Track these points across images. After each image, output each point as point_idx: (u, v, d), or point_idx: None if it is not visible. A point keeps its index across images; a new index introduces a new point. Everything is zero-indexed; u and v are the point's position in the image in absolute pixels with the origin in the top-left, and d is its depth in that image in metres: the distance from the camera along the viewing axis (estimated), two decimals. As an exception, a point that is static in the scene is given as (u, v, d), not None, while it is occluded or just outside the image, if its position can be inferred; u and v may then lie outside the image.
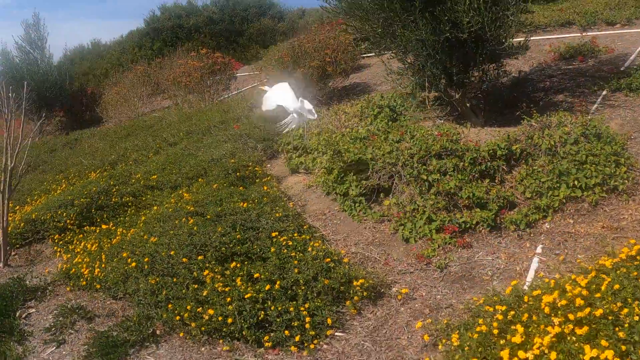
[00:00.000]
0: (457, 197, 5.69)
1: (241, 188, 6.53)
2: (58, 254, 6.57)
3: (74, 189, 7.80)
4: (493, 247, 5.10)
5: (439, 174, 5.91)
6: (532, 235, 5.15)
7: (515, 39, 7.61)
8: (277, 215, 5.58)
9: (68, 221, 6.91)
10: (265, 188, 6.42)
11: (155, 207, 6.57)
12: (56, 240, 6.81)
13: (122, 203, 6.99)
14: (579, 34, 10.93)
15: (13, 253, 6.98)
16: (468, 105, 7.97)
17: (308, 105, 7.46)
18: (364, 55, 12.92)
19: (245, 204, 5.82)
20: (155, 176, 7.28)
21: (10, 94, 6.77)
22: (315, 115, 8.18)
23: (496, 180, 6.06)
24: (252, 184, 6.75)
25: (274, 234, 5.19)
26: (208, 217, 5.64)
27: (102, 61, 23.46)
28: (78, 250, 6.16)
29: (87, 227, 6.84)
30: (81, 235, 6.65)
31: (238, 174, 6.73)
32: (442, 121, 8.05)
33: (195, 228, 5.40)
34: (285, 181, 7.16)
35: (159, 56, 19.56)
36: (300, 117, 7.43)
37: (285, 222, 5.51)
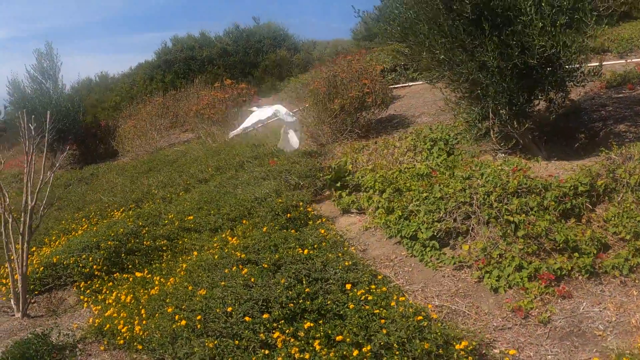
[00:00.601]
0: (545, 240, 5.01)
1: (293, 231, 5.80)
2: (85, 304, 5.78)
3: (98, 230, 7.06)
4: (596, 297, 4.45)
5: (523, 214, 5.23)
6: (636, 281, 4.50)
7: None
8: (346, 263, 4.84)
9: (95, 267, 6.15)
10: (322, 231, 5.69)
11: (195, 253, 5.82)
12: (82, 288, 6.03)
13: (156, 247, 6.24)
14: (619, 61, 10.46)
15: (32, 300, 6.20)
16: (530, 136, 7.33)
17: (282, 109, 7.81)
18: (392, 86, 12.39)
19: (306, 251, 5.08)
20: (192, 217, 6.55)
21: (31, 124, 6.11)
22: (294, 118, 8.37)
23: (582, 220, 5.38)
24: (304, 226, 6.03)
25: (348, 286, 4.44)
26: (264, 265, 4.89)
27: (111, 94, 23.00)
28: (110, 301, 5.38)
29: (117, 274, 6.07)
30: (111, 284, 5.87)
31: (289, 215, 6.00)
32: (504, 154, 7.40)
33: (252, 279, 4.64)
34: (337, 222, 6.44)
35: (171, 88, 19.09)
36: (286, 131, 7.79)
37: (356, 272, 4.78)
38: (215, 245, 5.76)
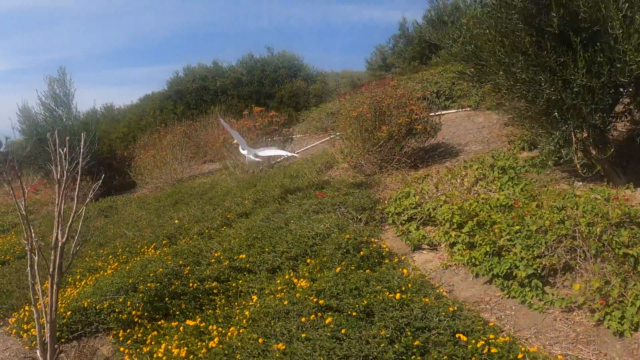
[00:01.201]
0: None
1: (369, 271, 5.04)
2: (127, 356, 4.94)
3: (131, 269, 6.26)
4: None
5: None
6: None
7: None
8: (450, 309, 4.08)
9: (134, 312, 5.33)
10: (404, 271, 4.93)
11: (254, 297, 5.02)
12: (121, 338, 5.20)
13: (205, 290, 5.44)
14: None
15: (60, 350, 5.35)
16: (608, 162, 6.66)
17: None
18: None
19: (397, 295, 4.31)
20: (244, 255, 5.77)
21: (64, 148, 5.40)
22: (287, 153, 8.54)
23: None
24: (378, 266, 5.26)
25: (462, 338, 3.67)
26: (351, 313, 4.11)
27: (118, 125, 22.40)
28: (159, 354, 4.55)
29: (162, 321, 5.25)
30: (155, 333, 5.05)
31: (361, 252, 5.25)
32: (580, 183, 6.71)
33: (342, 330, 3.85)
34: (410, 260, 5.67)
35: (183, 119, 18.50)
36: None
37: (463, 319, 4.00)
38: (279, 288, 4.97)
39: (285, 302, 4.55)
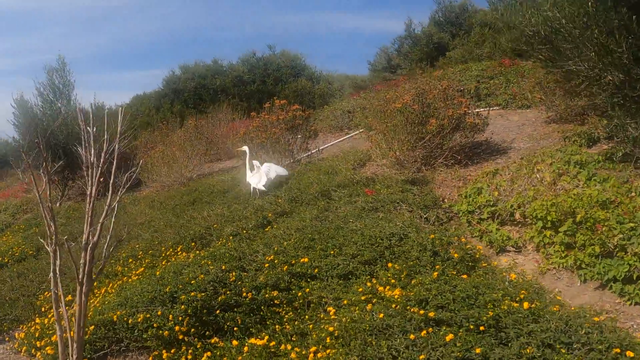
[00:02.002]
0: None
1: (465, 276, 4.24)
2: (176, 384, 4.05)
3: (163, 276, 5.37)
4: None
5: None
6: None
7: None
8: (595, 319, 3.32)
9: (178, 328, 4.43)
10: (513, 277, 4.14)
11: (331, 310, 4.17)
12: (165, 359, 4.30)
13: (264, 301, 4.57)
14: None
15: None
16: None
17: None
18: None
19: (526, 304, 3.53)
20: (306, 259, 4.91)
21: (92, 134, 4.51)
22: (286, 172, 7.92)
23: None
24: (471, 270, 4.46)
25: (629, 354, 2.90)
26: (473, 327, 3.31)
27: (108, 126, 21.26)
28: (222, 382, 3.68)
29: (215, 338, 4.36)
30: (209, 354, 4.16)
31: (455, 255, 4.45)
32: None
33: (477, 350, 3.04)
34: (497, 263, 4.88)
35: (180, 118, 17.53)
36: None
37: (611, 332, 3.24)
38: (362, 298, 4.13)
39: (381, 315, 3.71)
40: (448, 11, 20.47)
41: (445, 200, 6.42)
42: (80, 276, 4.23)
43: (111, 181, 4.45)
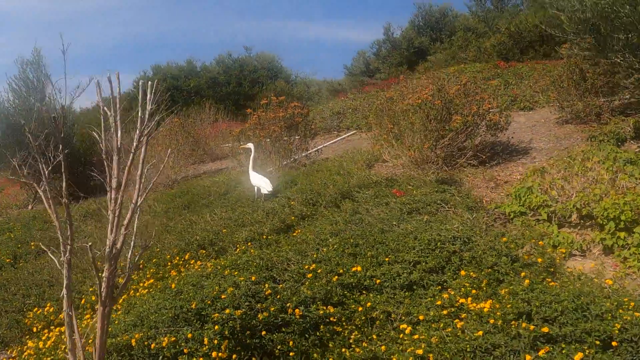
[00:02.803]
0: None
1: (553, 283, 3.69)
2: None
3: (181, 289, 4.58)
4: None
5: None
6: None
7: None
8: None
9: (216, 354, 3.68)
10: (609, 282, 3.63)
11: (406, 327, 3.51)
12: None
13: (317, 318, 3.87)
14: None
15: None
16: None
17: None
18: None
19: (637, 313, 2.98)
20: (359, 268, 4.24)
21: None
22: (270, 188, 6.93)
23: None
24: (552, 276, 3.91)
25: None
26: (595, 342, 2.74)
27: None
28: None
29: (264, 365, 3.62)
30: (259, 385, 3.43)
31: (539, 260, 3.89)
32: None
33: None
34: (564, 268, 4.35)
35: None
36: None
37: None
38: (443, 313, 3.50)
39: (479, 333, 3.09)
40: (428, 15, 20.26)
41: (483, 201, 5.89)
42: (103, 294, 3.42)
43: (139, 172, 3.66)
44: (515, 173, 6.91)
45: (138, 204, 3.62)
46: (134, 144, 3.43)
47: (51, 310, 5.21)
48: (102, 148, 3.59)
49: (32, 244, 7.56)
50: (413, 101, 7.40)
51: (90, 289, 5.41)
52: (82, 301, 5.23)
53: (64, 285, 3.51)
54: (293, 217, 6.01)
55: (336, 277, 4.22)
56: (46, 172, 3.93)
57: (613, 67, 7.48)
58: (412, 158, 7.29)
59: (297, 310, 3.95)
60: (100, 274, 3.41)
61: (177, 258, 5.76)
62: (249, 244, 5.62)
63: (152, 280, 5.22)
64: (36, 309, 5.30)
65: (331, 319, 3.86)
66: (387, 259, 4.31)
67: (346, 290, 4.13)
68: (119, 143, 3.45)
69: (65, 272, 3.50)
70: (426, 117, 7.13)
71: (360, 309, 3.87)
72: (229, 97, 18.42)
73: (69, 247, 3.45)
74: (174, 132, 10.80)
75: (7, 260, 7.17)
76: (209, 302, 4.18)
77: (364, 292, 4.10)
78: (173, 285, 4.76)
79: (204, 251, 5.81)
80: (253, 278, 4.52)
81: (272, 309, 3.97)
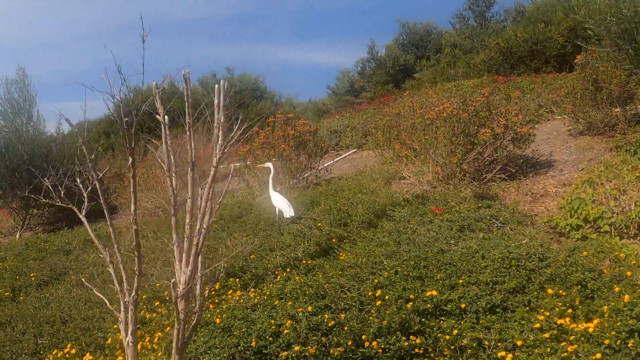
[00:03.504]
0: None
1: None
2: None
3: (231, 324, 4.13)
4: None
5: None
6: None
7: None
8: None
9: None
10: None
11: (504, 355, 3.15)
12: None
13: (400, 351, 3.48)
14: None
15: None
16: None
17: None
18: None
19: None
20: (434, 292, 3.87)
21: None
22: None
23: None
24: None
25: None
26: None
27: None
28: None
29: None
30: None
31: (629, 273, 3.62)
32: None
33: None
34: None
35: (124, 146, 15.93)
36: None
37: None
38: (544, 337, 3.16)
39: (597, 356, 2.78)
40: (412, 33, 20.32)
41: (532, 215, 5.62)
42: (180, 340, 2.95)
43: (212, 172, 3.22)
44: (549, 186, 6.69)
45: (204, 226, 3.17)
46: (216, 156, 3.00)
47: (73, 352, 4.64)
48: (161, 162, 3.16)
49: (31, 275, 6.93)
50: (436, 115, 7.14)
51: (115, 327, 4.87)
52: (109, 341, 4.67)
53: (129, 332, 3.03)
54: (334, 240, 5.61)
55: (410, 303, 3.83)
56: (85, 195, 3.51)
57: (629, 76, 7.43)
58: (437, 174, 7.01)
59: (374, 342, 3.54)
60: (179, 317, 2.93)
61: (206, 288, 5.27)
62: (288, 270, 5.19)
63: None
64: (55, 351, 4.71)
65: (416, 350, 3.47)
66: (460, 281, 3.95)
67: (423, 317, 3.75)
68: (193, 156, 3.03)
69: (130, 316, 3.02)
70: (452, 131, 6.88)
71: (447, 337, 3.48)
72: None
73: (135, 284, 2.98)
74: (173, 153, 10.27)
75: (6, 294, 6.52)
76: (269, 338, 3.74)
77: (442, 318, 3.73)
78: (218, 320, 4.29)
79: (234, 279, 5.35)
80: (310, 308, 4.10)
81: (349, 342, 3.56)
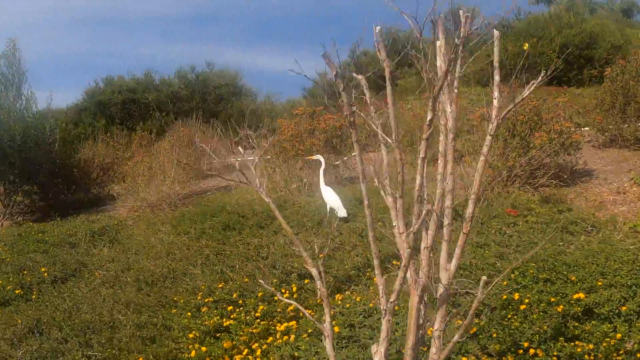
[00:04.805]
0: None
1: None
2: None
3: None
4: None
5: None
6: None
7: None
8: None
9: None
10: None
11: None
12: None
13: (566, 357, 3.12)
14: None
15: None
16: None
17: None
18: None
19: None
20: (582, 295, 3.57)
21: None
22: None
23: None
24: None
25: None
26: None
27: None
28: None
29: None
30: None
31: None
32: None
33: None
34: None
35: (104, 135, 14.91)
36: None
37: None
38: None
39: None
40: (394, 41, 20.22)
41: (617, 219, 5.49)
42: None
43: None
44: (603, 193, 6.60)
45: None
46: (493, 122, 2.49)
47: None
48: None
49: (43, 270, 6.08)
50: (480, 117, 6.92)
51: (191, 335, 4.22)
52: (192, 354, 4.04)
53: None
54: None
55: (561, 306, 3.48)
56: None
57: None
58: (489, 176, 6.75)
59: (539, 350, 3.16)
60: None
61: (284, 289, 4.73)
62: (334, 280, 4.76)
63: (291, 323, 4.12)
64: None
65: (586, 357, 3.12)
66: (599, 283, 3.66)
67: (574, 322, 3.42)
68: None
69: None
70: (509, 133, 6.66)
71: (612, 341, 3.17)
72: (193, 112, 17.09)
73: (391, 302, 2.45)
74: (179, 144, 9.58)
75: (17, 291, 5.66)
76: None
77: (592, 322, 3.42)
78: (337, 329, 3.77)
79: (297, 285, 4.84)
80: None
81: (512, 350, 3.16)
